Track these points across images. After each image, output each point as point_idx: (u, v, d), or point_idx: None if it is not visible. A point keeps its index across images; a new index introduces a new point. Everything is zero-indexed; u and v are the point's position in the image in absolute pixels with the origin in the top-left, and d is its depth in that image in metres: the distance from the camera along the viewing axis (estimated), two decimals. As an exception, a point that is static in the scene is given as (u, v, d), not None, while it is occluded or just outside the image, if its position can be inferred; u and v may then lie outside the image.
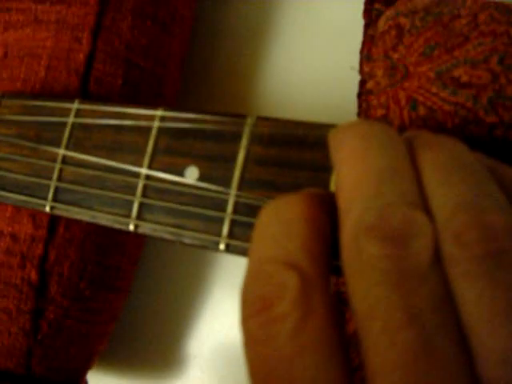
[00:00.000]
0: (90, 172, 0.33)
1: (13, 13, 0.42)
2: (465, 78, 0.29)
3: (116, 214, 0.32)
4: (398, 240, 0.19)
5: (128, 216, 0.31)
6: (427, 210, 0.20)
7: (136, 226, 0.31)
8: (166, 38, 0.43)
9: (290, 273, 0.20)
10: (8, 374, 0.40)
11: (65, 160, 0.34)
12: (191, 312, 0.49)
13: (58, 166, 0.34)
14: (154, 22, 0.42)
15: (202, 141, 0.30)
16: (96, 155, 0.33)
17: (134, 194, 0.31)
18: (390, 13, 0.34)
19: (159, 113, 0.32)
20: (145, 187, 0.31)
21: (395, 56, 0.31)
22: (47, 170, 0.34)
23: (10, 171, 0.36)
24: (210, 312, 0.48)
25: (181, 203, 0.30)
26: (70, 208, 0.33)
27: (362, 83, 0.34)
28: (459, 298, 0.18)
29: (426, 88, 0.30)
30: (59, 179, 0.34)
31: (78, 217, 0.33)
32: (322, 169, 0.27)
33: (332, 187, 0.26)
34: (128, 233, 0.31)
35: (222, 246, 0.28)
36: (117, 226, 0.32)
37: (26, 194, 0.35)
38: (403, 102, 0.30)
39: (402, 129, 0.30)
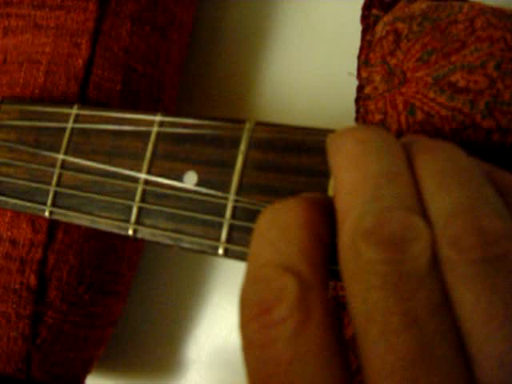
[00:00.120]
0: (89, 177, 0.33)
1: (12, 18, 0.42)
2: (462, 83, 0.29)
3: (115, 219, 0.32)
4: (395, 244, 0.19)
5: (127, 221, 0.31)
6: (425, 214, 0.20)
7: (135, 231, 0.31)
8: (165, 44, 0.44)
9: (289, 277, 0.20)
10: (7, 378, 0.40)
11: (64, 165, 0.34)
12: (190, 316, 0.49)
13: (57, 171, 0.34)
14: (152, 27, 0.42)
15: (201, 146, 0.30)
16: (95, 160, 0.33)
17: (132, 199, 0.31)
18: (387, 18, 0.34)
19: (158, 118, 0.32)
20: (144, 192, 0.31)
21: (393, 61, 0.32)
22: (46, 175, 0.34)
23: (10, 176, 0.36)
24: (209, 316, 0.48)
25: (179, 208, 0.30)
26: (69, 213, 0.33)
27: (360, 88, 0.34)
28: (457, 302, 0.19)
29: (423, 93, 0.30)
30: (58, 184, 0.34)
31: (77, 222, 0.33)
32: (320, 174, 0.27)
33: (330, 192, 0.26)
34: (127, 238, 0.32)
35: (220, 251, 0.28)
36: (116, 230, 0.32)
37: (25, 199, 0.35)
38: (401, 107, 0.30)
39: (399, 134, 0.30)
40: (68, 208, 0.33)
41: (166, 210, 0.30)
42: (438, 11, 0.32)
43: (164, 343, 0.49)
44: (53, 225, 0.40)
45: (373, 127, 0.23)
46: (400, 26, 0.32)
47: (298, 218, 0.22)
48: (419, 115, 0.30)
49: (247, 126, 0.29)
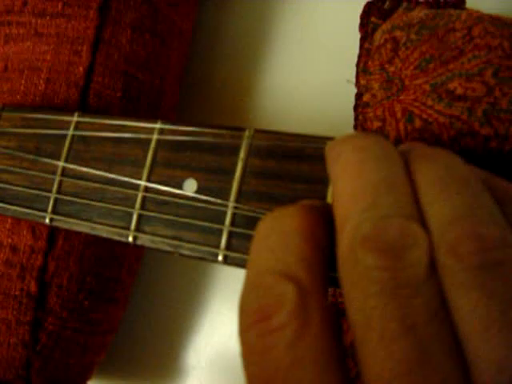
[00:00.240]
0: (90, 184, 0.33)
1: (13, 26, 0.42)
2: (460, 91, 0.29)
3: (115, 226, 0.32)
4: (393, 251, 0.19)
5: (127, 228, 0.31)
6: (423, 221, 0.20)
7: (135, 238, 0.31)
8: (165, 52, 0.44)
9: (288, 284, 0.20)
10: (7, 385, 0.40)
11: (64, 172, 0.34)
12: (189, 323, 0.49)
13: (57, 178, 0.34)
14: (152, 35, 0.43)
15: (201, 153, 0.30)
16: (95, 167, 0.33)
17: (132, 206, 0.31)
18: (385, 26, 0.34)
19: (158, 126, 0.32)
20: (144, 199, 0.31)
21: (391, 69, 0.32)
22: (47, 182, 0.34)
23: (10, 183, 0.36)
24: (209, 323, 0.48)
25: (179, 215, 0.30)
26: (70, 220, 0.33)
27: (359, 96, 0.34)
28: (454, 308, 0.19)
29: (421, 101, 0.30)
30: (59, 191, 0.34)
31: (78, 229, 0.33)
32: (319, 181, 0.27)
33: (329, 199, 0.27)
34: (127, 244, 0.32)
35: (220, 258, 0.29)
36: (116, 237, 0.32)
37: (25, 206, 0.35)
38: (399, 115, 0.31)
39: (398, 141, 0.30)
40: (68, 215, 0.33)
41: (165, 217, 0.30)
42: (436, 19, 0.32)
43: (164, 349, 0.49)
44: (53, 231, 0.40)
45: (371, 135, 0.23)
46: (398, 34, 0.33)
47: (297, 225, 0.22)
48: (417, 123, 0.30)
49: (247, 133, 0.29)
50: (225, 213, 0.29)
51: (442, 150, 0.23)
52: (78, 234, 0.39)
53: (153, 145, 0.32)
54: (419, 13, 0.33)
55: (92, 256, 0.41)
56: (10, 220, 0.40)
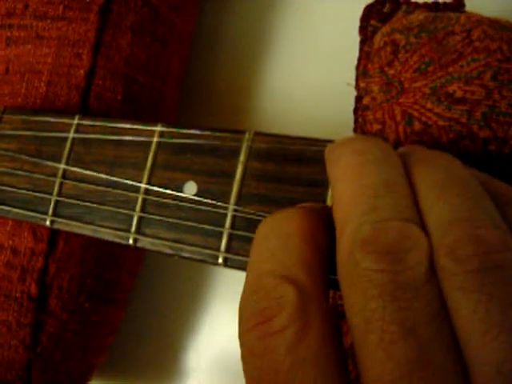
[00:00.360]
0: (90, 187, 0.33)
1: (14, 29, 0.42)
2: (459, 94, 0.29)
3: (116, 229, 0.32)
4: (393, 254, 0.19)
5: (127, 230, 0.31)
6: (422, 224, 0.20)
7: (135, 241, 0.31)
8: (166, 54, 0.44)
9: (288, 286, 0.20)
10: (8, 387, 0.40)
11: (65, 175, 0.34)
12: (190, 325, 0.49)
13: (58, 180, 0.34)
14: (153, 38, 0.43)
15: (201, 156, 0.30)
16: (96, 170, 0.33)
17: (133, 209, 0.31)
18: (385, 29, 0.34)
19: (158, 128, 0.32)
20: (144, 202, 0.31)
21: (391, 72, 0.32)
22: (48, 184, 0.35)
23: (11, 186, 0.36)
24: (209, 325, 0.48)
25: (179, 218, 0.30)
26: (71, 222, 0.33)
27: (358, 99, 0.34)
28: (454, 311, 0.19)
29: (420, 103, 0.30)
30: (59, 194, 0.34)
31: (78, 231, 0.33)
32: (319, 184, 0.27)
33: (329, 202, 0.27)
34: (127, 247, 0.32)
35: (220, 260, 0.29)
36: (116, 240, 0.32)
37: (26, 209, 0.35)
38: (399, 118, 0.31)
39: (397, 144, 0.30)
40: (69, 217, 0.33)
41: (166, 219, 0.30)
42: (436, 22, 0.32)
43: (164, 351, 0.49)
44: (54, 234, 0.40)
45: (371, 138, 0.23)
46: (398, 37, 0.33)
47: (297, 227, 0.22)
48: (417, 125, 0.30)
49: (247, 136, 0.30)
50: (225, 215, 0.29)
51: (441, 152, 0.23)
52: (79, 236, 0.39)
53: (153, 147, 0.32)
54: (418, 16, 0.33)
55: (92, 258, 0.41)
56: (10, 222, 0.40)
